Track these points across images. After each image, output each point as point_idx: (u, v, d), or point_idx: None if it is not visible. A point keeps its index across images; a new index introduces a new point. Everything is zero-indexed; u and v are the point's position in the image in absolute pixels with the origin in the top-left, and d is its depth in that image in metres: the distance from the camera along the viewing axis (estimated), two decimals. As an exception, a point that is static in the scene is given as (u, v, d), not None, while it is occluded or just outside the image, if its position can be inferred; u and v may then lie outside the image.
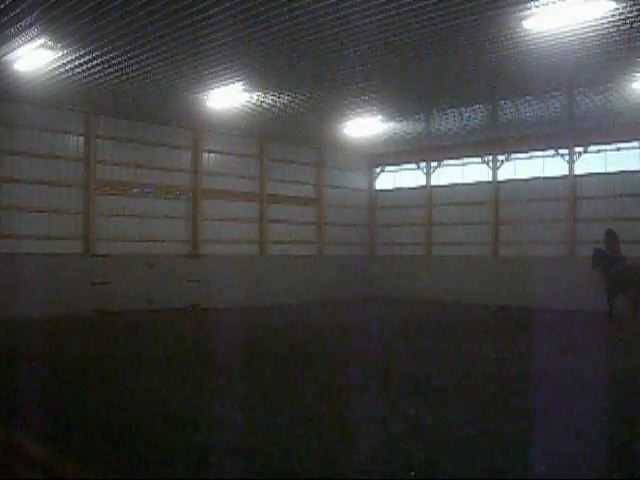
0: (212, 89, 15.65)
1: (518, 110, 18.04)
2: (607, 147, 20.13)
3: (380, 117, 18.99)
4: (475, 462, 5.39)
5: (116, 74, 14.40)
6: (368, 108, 17.88)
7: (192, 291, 19.63)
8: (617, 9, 10.47)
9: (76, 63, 13.52)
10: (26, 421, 6.67)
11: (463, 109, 18.19)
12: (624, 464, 5.41)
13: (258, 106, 17.48)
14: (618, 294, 16.74)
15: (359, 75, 14.56)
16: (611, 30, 11.40)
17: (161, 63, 13.61)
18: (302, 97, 16.64)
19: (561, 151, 20.92)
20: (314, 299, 22.19)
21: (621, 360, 10.74)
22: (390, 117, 19.05)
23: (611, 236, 17.33)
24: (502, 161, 22.39)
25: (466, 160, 23.48)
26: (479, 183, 22.94)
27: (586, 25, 11.16)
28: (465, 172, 23.63)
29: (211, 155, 21.05)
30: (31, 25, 11.23)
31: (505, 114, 18.69)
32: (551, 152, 21.25)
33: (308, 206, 23.77)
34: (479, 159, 22.97)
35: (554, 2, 10.23)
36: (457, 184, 23.60)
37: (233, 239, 21.40)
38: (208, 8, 10.47)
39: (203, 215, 20.58)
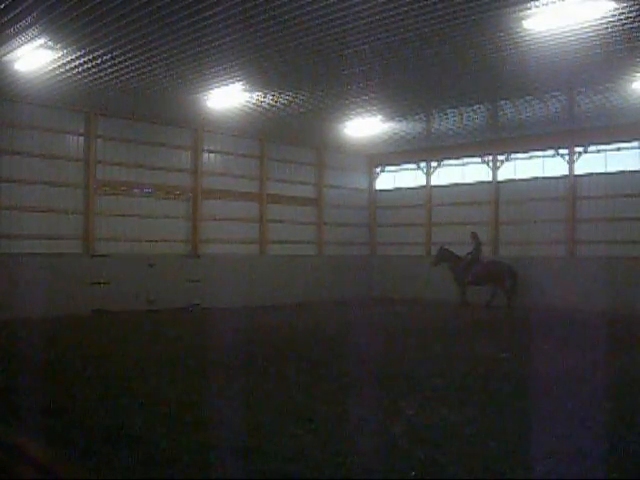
0: (212, 89, 15.64)
1: (518, 110, 18.03)
2: (607, 147, 20.10)
3: (380, 117, 18.99)
4: (475, 462, 5.39)
5: (116, 74, 14.40)
6: (368, 108, 17.88)
7: (192, 291, 19.64)
8: (617, 9, 10.47)
9: (76, 63, 13.51)
10: (26, 421, 6.67)
11: (463, 109, 18.18)
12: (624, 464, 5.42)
13: (258, 106, 17.48)
14: (477, 286, 19.76)
15: (359, 75, 14.56)
16: (611, 30, 11.40)
17: (161, 63, 13.61)
18: (302, 97, 16.64)
19: (561, 151, 20.91)
20: (314, 299, 22.17)
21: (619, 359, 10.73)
22: (390, 117, 19.05)
23: (476, 238, 20.08)
24: (502, 161, 22.38)
25: (466, 160, 23.47)
26: (479, 183, 22.93)
27: (586, 25, 11.16)
28: (465, 172, 23.62)
29: (211, 155, 21.04)
30: (31, 25, 11.23)
31: (505, 114, 18.68)
32: (551, 152, 21.24)
33: (308, 206, 23.76)
34: (479, 159, 22.96)
35: (554, 2, 10.23)
36: (457, 184, 23.59)
37: (233, 239, 21.39)
38: (208, 8, 10.47)
39: (203, 215, 20.58)
